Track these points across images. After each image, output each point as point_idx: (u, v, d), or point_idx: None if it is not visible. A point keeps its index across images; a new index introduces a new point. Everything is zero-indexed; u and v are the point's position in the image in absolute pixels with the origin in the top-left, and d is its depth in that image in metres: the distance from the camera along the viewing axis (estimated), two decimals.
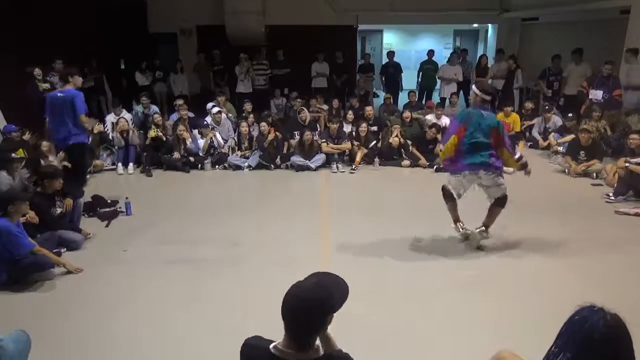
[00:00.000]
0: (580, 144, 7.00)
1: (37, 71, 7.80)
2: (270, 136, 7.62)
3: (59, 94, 5.73)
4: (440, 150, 4.82)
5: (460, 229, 4.73)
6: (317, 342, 1.61)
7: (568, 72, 9.37)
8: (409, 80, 12.67)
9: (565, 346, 1.46)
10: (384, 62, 12.26)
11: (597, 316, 1.43)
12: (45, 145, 6.27)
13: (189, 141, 7.70)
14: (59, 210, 4.82)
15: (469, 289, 3.89)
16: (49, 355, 2.98)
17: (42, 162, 6.00)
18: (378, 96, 12.80)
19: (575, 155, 7.04)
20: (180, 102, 8.74)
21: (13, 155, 5.48)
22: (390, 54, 11.72)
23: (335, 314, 1.59)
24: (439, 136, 7.70)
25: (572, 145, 7.26)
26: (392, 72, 11.43)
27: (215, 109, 8.50)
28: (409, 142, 7.83)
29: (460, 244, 4.73)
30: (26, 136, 6.89)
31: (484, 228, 4.67)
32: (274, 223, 5.33)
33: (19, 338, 2.09)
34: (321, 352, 1.60)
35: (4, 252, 3.90)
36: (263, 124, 7.78)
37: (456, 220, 4.74)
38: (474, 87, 4.66)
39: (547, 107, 8.70)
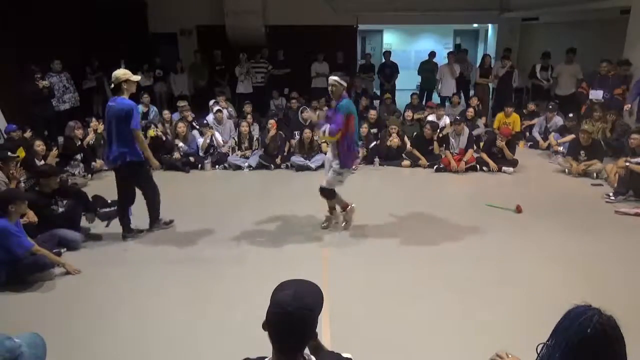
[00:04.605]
0: (581, 144, 7.01)
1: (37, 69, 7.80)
2: (272, 131, 7.62)
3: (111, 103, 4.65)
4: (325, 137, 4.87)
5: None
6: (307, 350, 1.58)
7: (558, 72, 9.36)
8: (409, 80, 12.66)
9: (559, 340, 1.47)
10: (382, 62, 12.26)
11: (592, 313, 1.44)
12: (38, 144, 6.22)
13: (180, 144, 7.69)
14: (58, 210, 4.81)
15: (467, 290, 3.88)
16: (49, 356, 2.97)
17: (37, 161, 5.97)
18: (378, 96, 12.79)
19: (575, 155, 7.05)
20: (183, 103, 8.73)
21: (9, 154, 5.38)
22: (387, 53, 11.69)
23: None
24: (435, 135, 7.69)
25: (572, 145, 7.28)
26: (388, 73, 11.41)
27: (216, 107, 8.49)
28: (408, 142, 7.83)
29: (459, 244, 4.74)
30: (27, 134, 6.88)
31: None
32: (274, 223, 5.33)
33: (36, 343, 2.00)
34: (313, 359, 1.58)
35: (3, 252, 3.90)
36: (271, 121, 7.81)
37: (346, 206, 5.08)
38: (336, 78, 4.58)
39: (551, 107, 8.68)
